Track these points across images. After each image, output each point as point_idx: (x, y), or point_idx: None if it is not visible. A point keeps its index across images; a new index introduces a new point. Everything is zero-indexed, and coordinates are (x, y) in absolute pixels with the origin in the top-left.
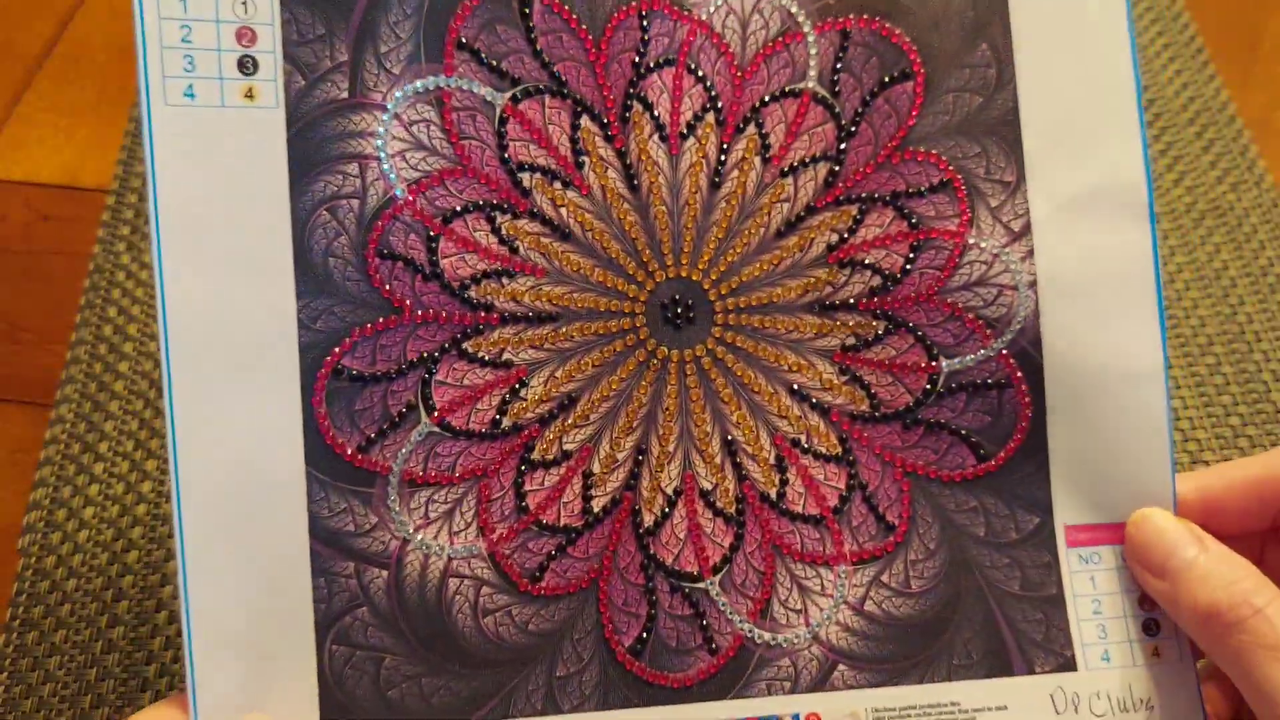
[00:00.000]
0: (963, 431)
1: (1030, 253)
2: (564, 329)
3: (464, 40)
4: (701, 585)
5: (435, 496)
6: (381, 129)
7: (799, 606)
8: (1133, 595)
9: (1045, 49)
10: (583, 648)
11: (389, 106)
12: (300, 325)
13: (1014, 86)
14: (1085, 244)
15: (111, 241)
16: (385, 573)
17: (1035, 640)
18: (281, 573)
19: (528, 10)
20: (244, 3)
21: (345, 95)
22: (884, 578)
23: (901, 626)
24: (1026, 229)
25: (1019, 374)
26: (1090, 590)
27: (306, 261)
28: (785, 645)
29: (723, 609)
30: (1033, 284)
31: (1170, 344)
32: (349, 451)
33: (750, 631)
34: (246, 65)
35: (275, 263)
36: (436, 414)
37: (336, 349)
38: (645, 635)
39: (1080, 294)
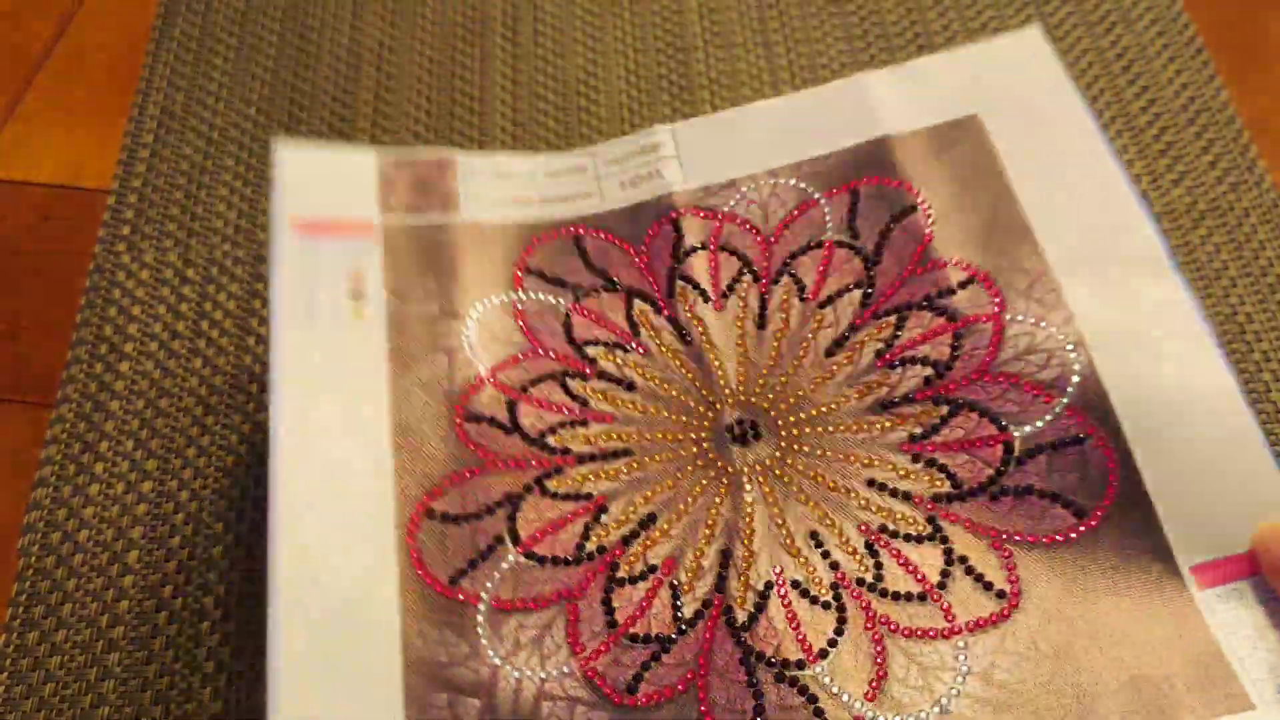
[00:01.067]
0: (1053, 492)
1: (1070, 318)
2: (637, 459)
3: (530, 267)
4: (809, 672)
5: (525, 622)
6: (465, 330)
7: (920, 684)
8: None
9: (1038, 176)
10: None
11: (471, 315)
12: (396, 475)
13: (1019, 207)
14: (1121, 304)
15: (112, 241)
16: (478, 701)
17: (1196, 687)
18: (377, 704)
19: (581, 244)
20: (354, 257)
21: (436, 310)
22: (1008, 644)
23: (1039, 689)
24: (1060, 301)
25: (1092, 426)
26: (1240, 627)
27: (403, 424)
28: None
29: (837, 694)
30: (1080, 343)
31: None
32: (441, 584)
33: (870, 713)
34: (357, 294)
35: (376, 428)
36: (523, 544)
37: (429, 494)
38: None
39: (1130, 341)
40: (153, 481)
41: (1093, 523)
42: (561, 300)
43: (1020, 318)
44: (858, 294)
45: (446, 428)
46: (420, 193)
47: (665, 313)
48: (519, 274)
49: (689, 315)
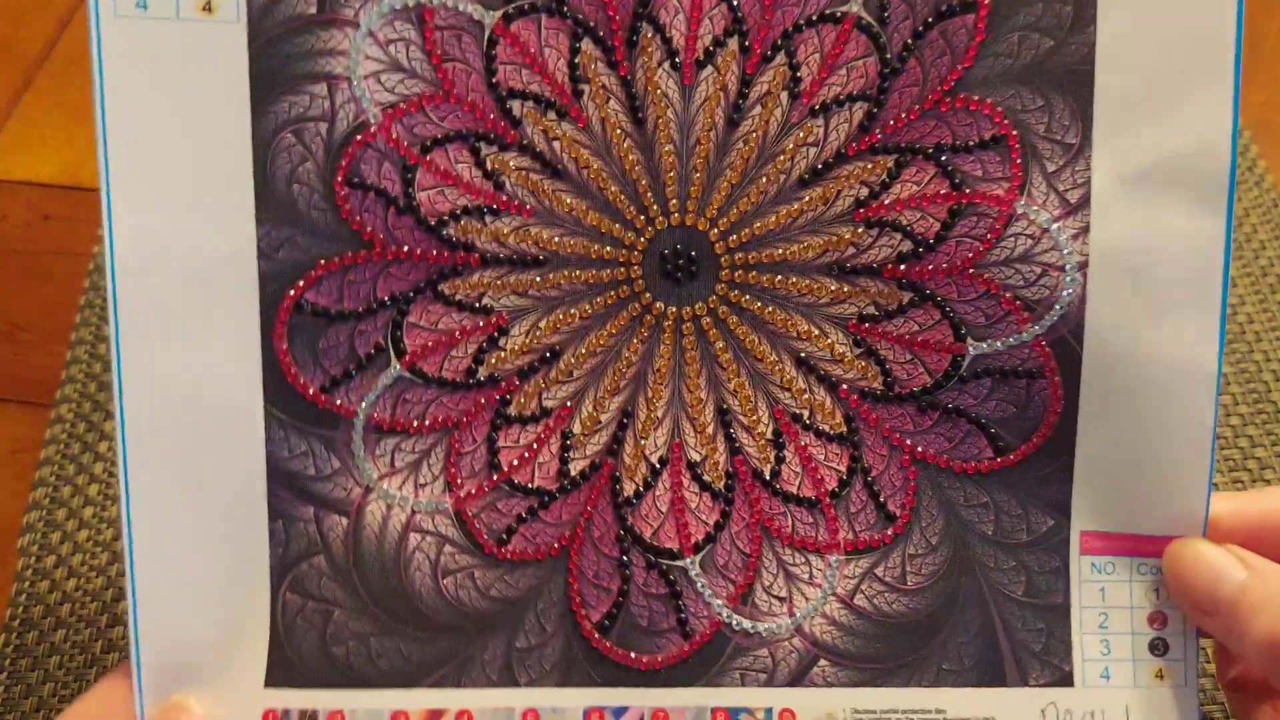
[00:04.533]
0: (982, 420)
1: (1085, 229)
2: (551, 276)
3: None
4: (680, 563)
5: (402, 445)
6: (353, 48)
7: (783, 594)
8: (1142, 611)
9: None
10: (547, 619)
11: (362, 23)
12: (260, 254)
13: (1094, 29)
14: (1149, 227)
15: None
16: (345, 520)
17: (1033, 651)
18: (237, 515)
19: None
20: None
21: (313, 10)
22: (878, 571)
23: (892, 625)
24: (1085, 201)
25: (1054, 364)
26: (1098, 602)
27: (268, 187)
28: (765, 635)
29: (701, 591)
30: (1083, 266)
31: None
32: (311, 391)
33: (729, 617)
34: None
35: (234, 188)
36: (407, 358)
37: (300, 282)
38: (615, 611)
39: (1135, 282)
40: None
41: (1010, 461)
42: (488, 16)
43: (1033, 211)
44: (860, 110)
45: (324, 192)
46: None
47: (621, 70)
48: None
49: (649, 82)
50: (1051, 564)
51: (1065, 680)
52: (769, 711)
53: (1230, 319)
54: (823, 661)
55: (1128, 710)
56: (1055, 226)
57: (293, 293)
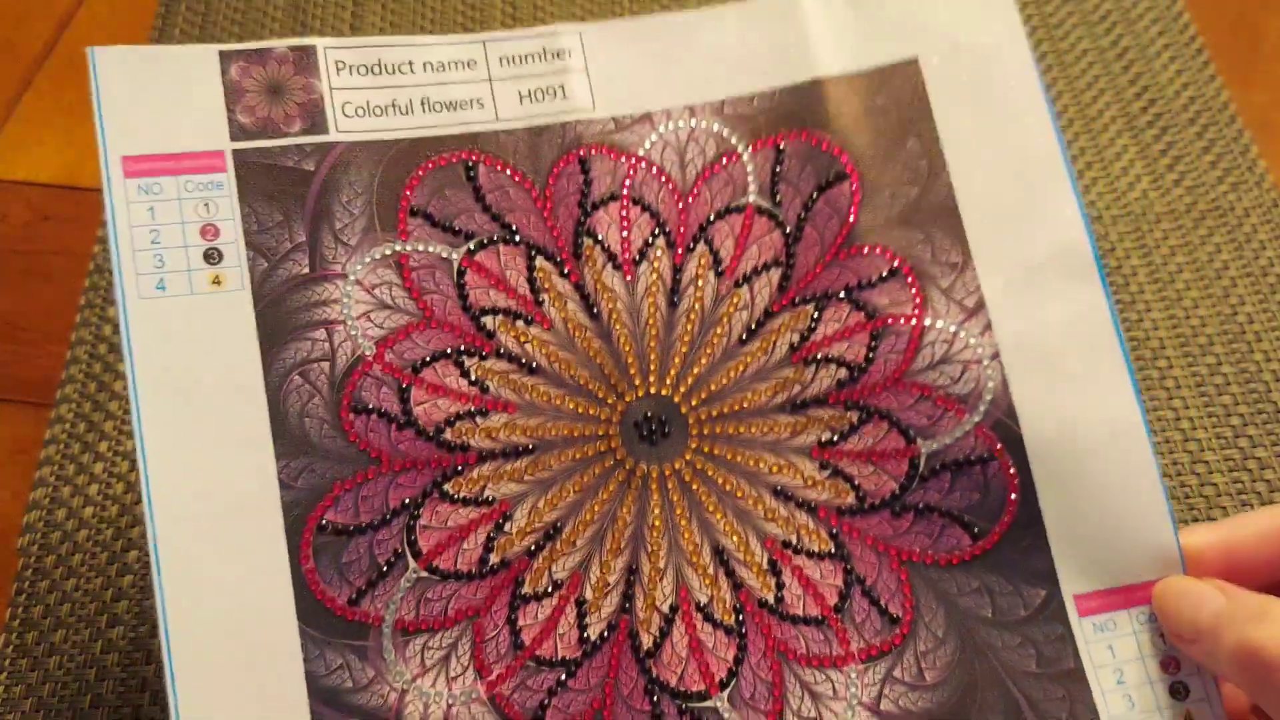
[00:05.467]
0: (953, 512)
1: (988, 326)
2: (541, 458)
3: (416, 208)
4: (710, 703)
5: (430, 643)
6: (345, 295)
7: (813, 714)
8: (1155, 659)
9: (970, 136)
10: None
11: (349, 274)
12: (281, 485)
13: (946, 174)
14: (1040, 312)
15: None
16: None
17: (1060, 718)
18: None
19: (473, 173)
20: (206, 204)
21: (306, 270)
22: (896, 673)
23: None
24: (981, 305)
25: (999, 446)
26: (1110, 659)
27: (283, 425)
28: None
29: None
30: (996, 355)
31: (1170, 344)
32: (340, 604)
33: None
34: (212, 256)
35: (253, 428)
36: (423, 558)
37: (320, 505)
38: None
39: (1044, 360)
40: None
41: (988, 545)
42: (454, 253)
43: (940, 323)
44: (776, 274)
45: (332, 422)
46: (276, 102)
47: (572, 278)
48: (403, 218)
49: (596, 283)
50: (1055, 632)
51: None
52: None
53: (1230, 319)
54: None
55: None
56: (962, 329)
57: (313, 515)
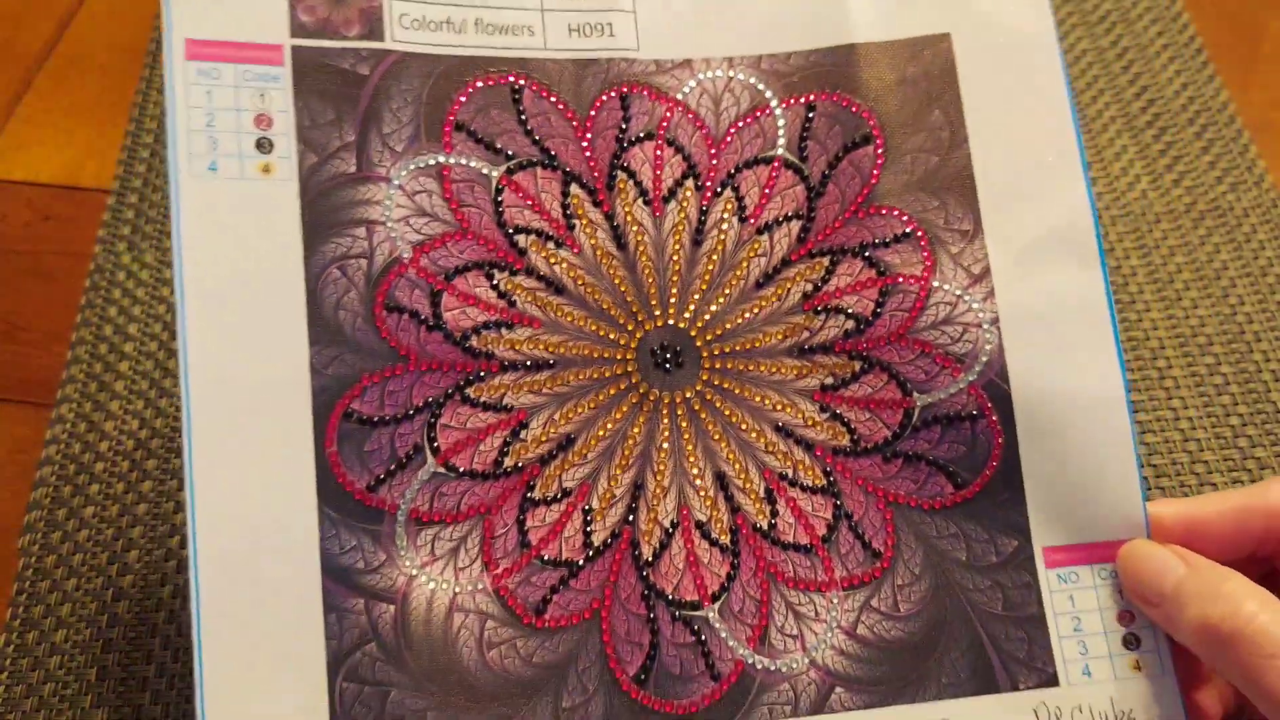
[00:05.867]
0: (939, 462)
1: (991, 293)
2: (560, 374)
3: (461, 122)
4: (701, 613)
5: (441, 534)
6: (387, 198)
7: (795, 632)
8: (1111, 612)
9: (993, 112)
10: (587, 678)
11: (393, 179)
12: (313, 371)
13: (967, 147)
14: (1040, 285)
15: (112, 241)
16: (392, 608)
17: (1018, 658)
18: (296, 610)
19: (518, 96)
20: (261, 94)
21: (353, 169)
22: (874, 602)
23: (893, 649)
24: (986, 272)
25: (989, 405)
26: (1070, 608)
27: (319, 314)
28: (784, 670)
29: (723, 636)
30: (995, 321)
31: (1170, 344)
32: (359, 489)
33: (750, 658)
34: (264, 145)
35: (290, 315)
36: (442, 455)
37: (347, 393)
38: (649, 664)
39: (1039, 329)
40: (153, 481)
41: (969, 494)
42: (494, 170)
43: (946, 286)
44: (796, 226)
45: (365, 316)
46: (338, 5)
47: (604, 208)
48: (449, 130)
49: (627, 216)
50: (1022, 580)
51: (1051, 681)
52: None
53: (1229, 319)
54: (838, 689)
55: (1112, 701)
56: (966, 294)
57: (341, 403)
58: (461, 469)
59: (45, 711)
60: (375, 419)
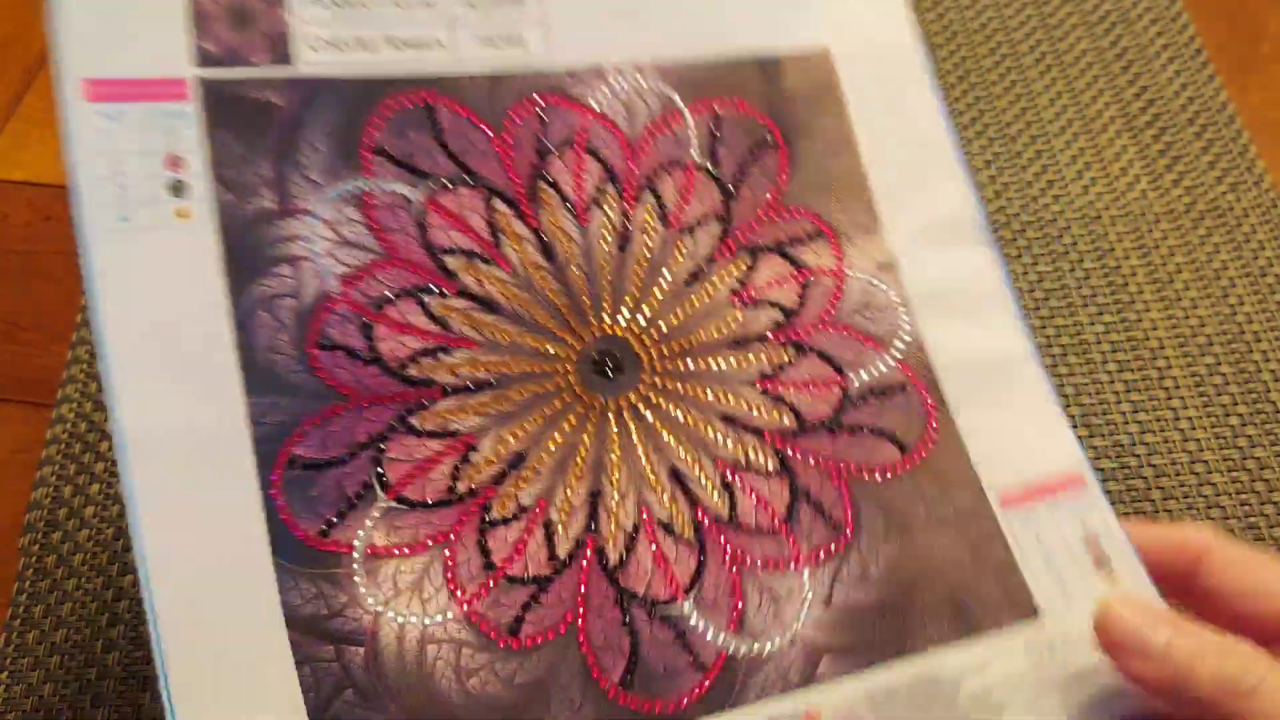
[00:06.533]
0: (882, 430)
1: (898, 278)
2: (503, 393)
3: (379, 146)
4: (677, 608)
5: (401, 568)
6: (310, 231)
7: (772, 612)
8: (1077, 539)
9: (873, 118)
10: (573, 691)
11: (315, 211)
12: (252, 422)
13: (856, 150)
14: (937, 267)
15: None
16: (363, 650)
17: (996, 600)
18: (268, 669)
19: (434, 115)
20: (169, 133)
21: (274, 205)
22: (843, 573)
23: (871, 613)
24: (890, 260)
25: (915, 375)
26: (1035, 544)
27: (252, 361)
28: (768, 650)
29: (701, 628)
30: (906, 302)
31: (1170, 343)
32: (311, 536)
33: (731, 644)
34: (177, 189)
35: (222, 366)
36: (392, 489)
37: (288, 440)
38: (632, 666)
39: (945, 306)
40: None
41: (916, 459)
42: (416, 194)
43: (858, 275)
44: (717, 227)
45: (298, 357)
46: (242, 29)
47: (530, 221)
48: (367, 155)
49: (553, 226)
50: (984, 528)
51: (1033, 614)
52: (796, 717)
53: (1229, 319)
54: (825, 658)
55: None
56: (877, 281)
57: (283, 451)
58: (414, 500)
59: (46, 710)
60: (321, 461)
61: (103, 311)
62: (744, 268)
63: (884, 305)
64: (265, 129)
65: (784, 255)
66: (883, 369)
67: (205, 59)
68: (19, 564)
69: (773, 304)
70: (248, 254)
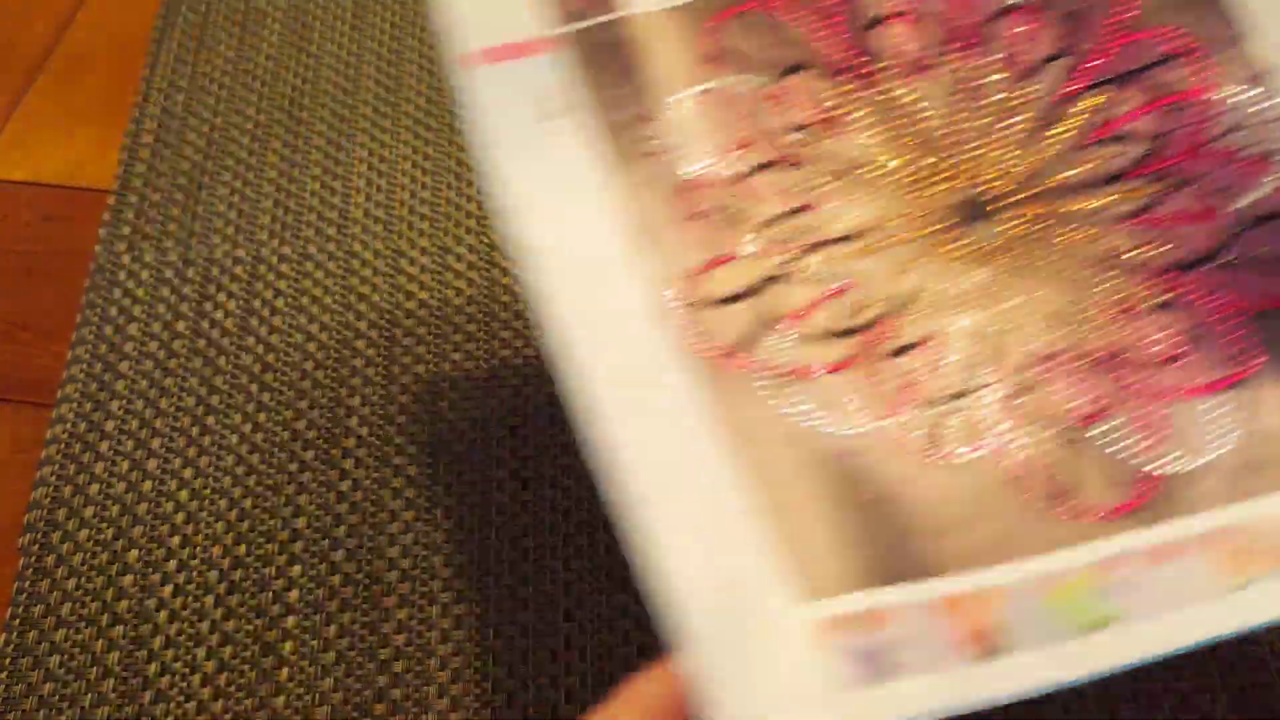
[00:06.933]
0: (1276, 257)
1: (1274, 90)
2: (877, 239)
3: (714, 53)
4: (1090, 435)
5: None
6: (665, 132)
7: (1191, 438)
8: None
9: None
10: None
11: (666, 115)
12: (656, 273)
13: None
14: None
15: (112, 241)
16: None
17: None
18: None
19: (767, 18)
20: (549, 82)
21: (633, 115)
22: (1263, 395)
23: None
24: (1263, 69)
25: None
26: None
27: (641, 225)
28: (1198, 472)
29: (1119, 455)
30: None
31: None
32: (720, 359)
33: (1155, 467)
34: (551, 114)
35: (618, 232)
36: (781, 325)
37: (685, 280)
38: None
39: None
40: (153, 481)
41: None
42: (759, 83)
43: (1228, 92)
44: (1062, 64)
45: (679, 224)
46: None
47: (874, 88)
48: (705, 61)
49: (897, 87)
50: None
51: None
52: None
53: None
54: (1265, 469)
55: None
56: (1248, 95)
57: (684, 284)
58: (805, 334)
59: (45, 711)
60: (717, 299)
61: (527, 227)
62: (1099, 102)
63: (1258, 121)
64: (616, 60)
65: (1140, 83)
66: (1268, 193)
67: (570, 16)
68: (19, 564)
69: (1133, 137)
70: (616, 154)
